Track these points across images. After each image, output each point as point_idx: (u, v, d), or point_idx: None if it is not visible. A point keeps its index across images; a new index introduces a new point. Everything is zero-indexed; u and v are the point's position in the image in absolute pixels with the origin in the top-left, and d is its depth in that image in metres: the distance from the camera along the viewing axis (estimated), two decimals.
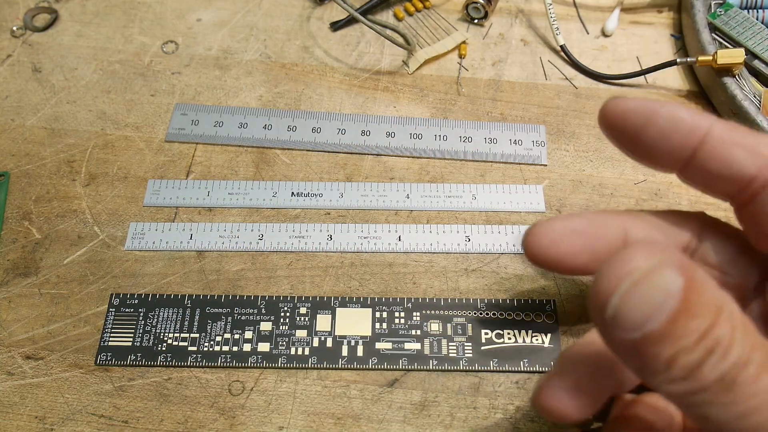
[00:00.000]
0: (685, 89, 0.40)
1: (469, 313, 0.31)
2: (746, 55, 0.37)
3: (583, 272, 0.22)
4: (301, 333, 0.31)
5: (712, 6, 0.40)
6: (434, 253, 0.33)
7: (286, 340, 0.30)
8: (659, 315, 0.16)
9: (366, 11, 0.41)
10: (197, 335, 0.30)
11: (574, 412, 0.20)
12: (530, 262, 0.23)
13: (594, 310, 0.17)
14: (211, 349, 0.30)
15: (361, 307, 0.31)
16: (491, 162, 0.37)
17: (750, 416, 0.16)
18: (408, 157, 0.37)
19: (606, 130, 0.21)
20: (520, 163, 0.36)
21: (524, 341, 0.30)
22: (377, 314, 0.31)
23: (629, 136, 0.20)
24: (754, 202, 0.19)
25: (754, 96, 0.36)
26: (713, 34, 0.39)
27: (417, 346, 0.30)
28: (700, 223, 0.22)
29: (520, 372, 0.30)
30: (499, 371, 0.30)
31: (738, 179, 0.19)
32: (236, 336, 0.30)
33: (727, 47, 0.38)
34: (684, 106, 0.20)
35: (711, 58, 0.36)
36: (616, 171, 0.36)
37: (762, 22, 0.39)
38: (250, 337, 0.30)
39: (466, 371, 0.30)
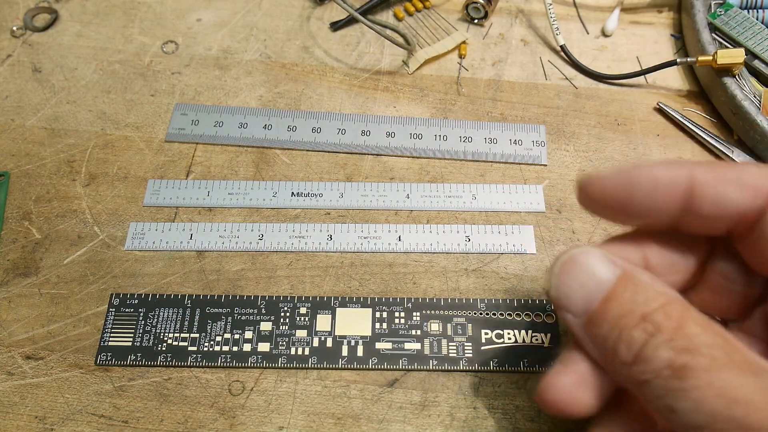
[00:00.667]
0: (685, 89, 0.40)
1: (469, 313, 0.31)
2: (746, 55, 0.37)
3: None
4: (301, 333, 0.31)
5: (712, 6, 0.40)
6: (434, 253, 0.33)
7: (286, 340, 0.30)
8: (595, 297, 0.19)
9: (366, 11, 0.41)
10: (197, 335, 0.30)
11: (579, 406, 0.20)
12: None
13: (552, 301, 0.20)
14: (211, 349, 0.30)
15: (361, 307, 0.31)
16: (491, 162, 0.37)
17: (705, 406, 0.16)
18: (408, 157, 0.37)
19: (589, 209, 0.21)
20: (520, 163, 0.36)
21: (524, 341, 0.30)
22: (377, 314, 0.31)
23: (615, 211, 0.21)
24: (751, 232, 0.20)
25: (754, 96, 0.36)
26: (713, 34, 0.39)
27: (417, 346, 0.30)
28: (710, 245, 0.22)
29: (520, 372, 0.30)
30: (499, 371, 0.30)
31: (732, 215, 0.20)
32: (236, 336, 0.30)
33: (727, 47, 0.38)
34: (659, 164, 0.20)
35: (711, 58, 0.36)
36: None
37: (762, 22, 0.39)
38: (250, 337, 0.30)
39: (466, 371, 0.30)
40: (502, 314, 0.31)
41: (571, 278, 0.19)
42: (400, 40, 0.39)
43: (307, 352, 0.30)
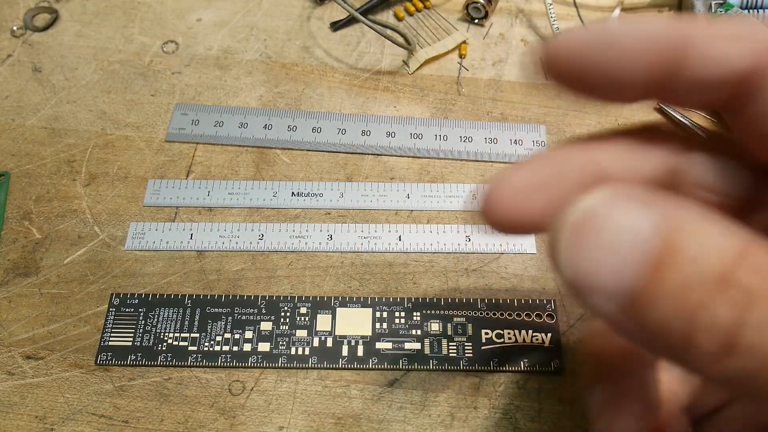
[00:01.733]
0: None
1: (469, 313, 0.31)
2: None
3: None
4: (302, 333, 0.31)
5: (713, 6, 0.40)
6: (434, 253, 0.33)
7: (287, 340, 0.30)
8: (639, 264, 0.12)
9: (366, 11, 0.41)
10: (197, 335, 0.30)
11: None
12: (494, 230, 0.18)
13: (563, 283, 0.13)
14: (211, 349, 0.30)
15: (361, 307, 0.31)
16: (491, 162, 0.37)
17: None
18: (408, 157, 0.37)
19: (555, 77, 0.16)
20: None
21: (524, 341, 0.30)
22: (377, 314, 0.31)
23: (585, 77, 0.16)
24: (751, 100, 0.15)
25: None
26: None
27: (417, 346, 0.30)
28: (685, 137, 0.17)
29: (520, 372, 0.30)
30: (499, 371, 0.30)
31: (731, 79, 0.14)
32: (236, 336, 0.30)
33: None
34: (646, 18, 0.15)
35: None
36: None
37: (762, 22, 0.39)
38: (251, 337, 0.30)
39: (466, 371, 0.30)
40: (502, 314, 0.31)
41: (594, 246, 0.13)
42: (401, 40, 0.39)
43: (307, 351, 0.30)
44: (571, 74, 0.16)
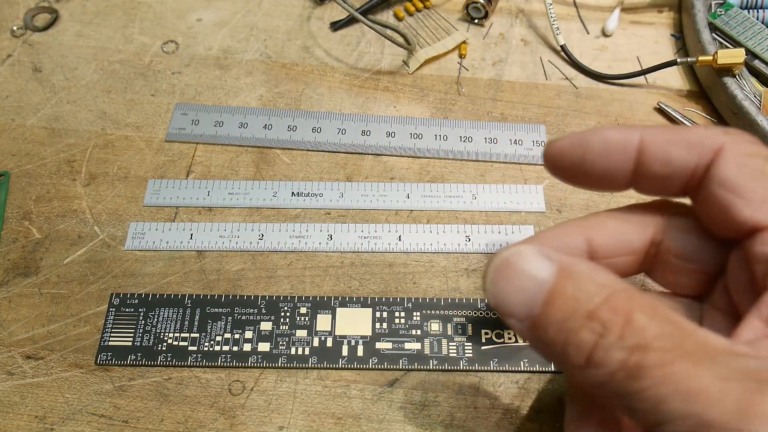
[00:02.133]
0: (685, 89, 0.40)
1: (469, 313, 0.31)
2: (746, 55, 0.37)
3: None
4: (302, 333, 0.31)
5: (713, 6, 0.40)
6: (434, 253, 0.33)
7: (287, 339, 0.30)
8: (536, 299, 0.17)
9: (366, 11, 0.41)
10: (197, 335, 0.30)
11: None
12: None
13: (491, 307, 0.19)
14: (211, 349, 0.30)
15: (361, 307, 0.31)
16: (491, 162, 0.37)
17: (663, 405, 0.15)
18: (408, 157, 0.37)
19: (553, 172, 0.22)
20: (520, 163, 0.36)
21: (524, 341, 0.30)
22: (377, 314, 0.31)
23: (573, 171, 0.21)
24: (702, 190, 0.20)
25: (755, 96, 0.36)
26: (713, 34, 0.39)
27: (417, 346, 0.30)
28: (665, 213, 0.23)
29: (520, 372, 0.30)
30: (499, 371, 0.30)
31: (682, 174, 0.20)
32: (236, 336, 0.30)
33: (727, 47, 0.38)
34: (613, 126, 0.21)
35: (711, 58, 0.36)
36: None
37: (762, 22, 0.39)
38: (251, 336, 0.30)
39: (466, 371, 0.30)
40: None
41: (507, 283, 0.18)
42: (401, 40, 0.39)
43: (307, 351, 0.30)
44: (562, 172, 0.22)
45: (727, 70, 0.36)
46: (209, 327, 0.31)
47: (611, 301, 0.17)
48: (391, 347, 0.30)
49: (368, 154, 0.37)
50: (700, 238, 0.22)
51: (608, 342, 0.16)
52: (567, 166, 0.21)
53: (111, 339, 0.30)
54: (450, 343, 0.30)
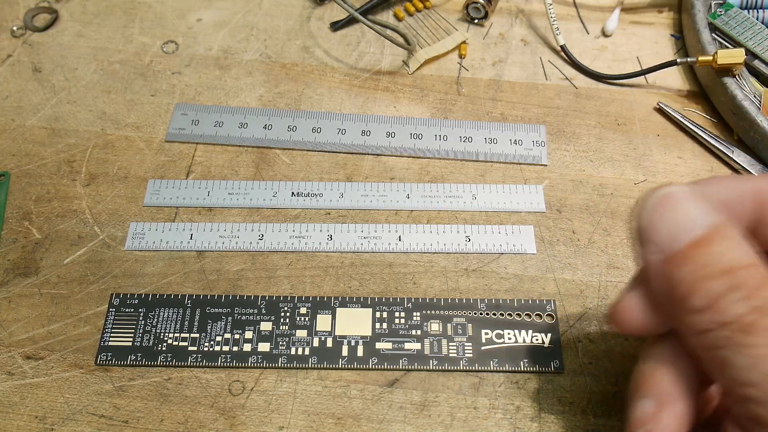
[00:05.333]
0: (685, 89, 0.40)
1: (469, 313, 0.31)
2: (746, 55, 0.37)
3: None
4: (302, 333, 0.31)
5: (712, 6, 0.40)
6: (434, 253, 0.33)
7: (287, 340, 0.30)
8: (683, 237, 0.19)
9: (366, 11, 0.41)
10: (197, 335, 0.30)
11: (644, 324, 0.22)
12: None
13: (634, 231, 0.20)
14: (211, 349, 0.30)
15: (361, 307, 0.31)
16: (491, 162, 0.37)
17: (762, 364, 0.17)
18: (408, 157, 0.37)
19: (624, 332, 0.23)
20: (520, 163, 0.36)
21: (524, 341, 0.30)
22: (377, 314, 0.31)
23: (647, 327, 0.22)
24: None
25: (755, 96, 0.36)
26: (713, 34, 0.39)
27: (417, 346, 0.30)
28: None
29: (520, 372, 0.30)
30: (499, 371, 0.30)
31: None
32: (236, 336, 0.30)
33: (727, 47, 0.38)
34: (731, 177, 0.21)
35: (711, 58, 0.36)
36: (616, 171, 0.36)
37: (762, 22, 0.39)
38: (251, 337, 0.30)
39: (466, 371, 0.30)
40: (502, 314, 0.31)
41: (666, 213, 0.19)
42: (400, 40, 0.39)
43: (307, 352, 0.30)
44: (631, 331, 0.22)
45: (727, 70, 0.36)
46: (209, 327, 0.31)
47: (752, 269, 0.18)
48: (391, 347, 0.30)
49: (368, 154, 0.37)
50: None
51: (736, 296, 0.18)
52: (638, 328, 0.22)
53: (111, 339, 0.30)
54: (450, 343, 0.30)
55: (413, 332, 0.31)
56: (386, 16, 0.43)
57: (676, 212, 0.19)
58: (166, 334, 0.30)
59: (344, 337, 0.30)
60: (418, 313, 0.31)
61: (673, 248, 0.19)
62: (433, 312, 0.31)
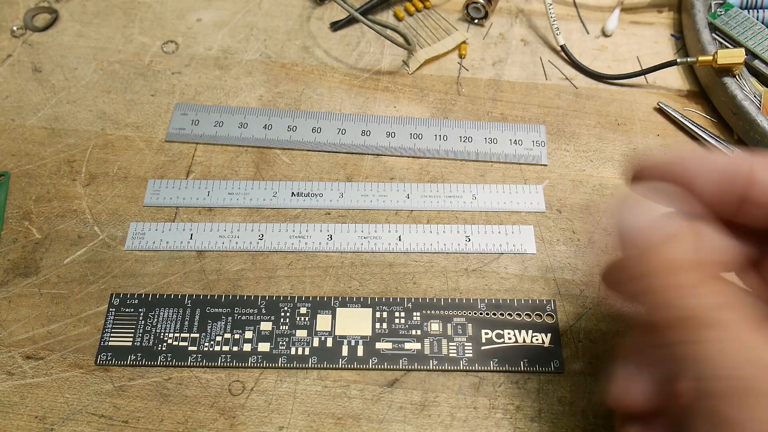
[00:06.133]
0: (685, 89, 0.40)
1: (469, 313, 0.31)
2: (746, 55, 0.37)
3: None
4: (302, 333, 0.31)
5: (712, 6, 0.40)
6: (434, 253, 0.33)
7: (287, 340, 0.30)
8: (658, 232, 0.20)
9: (366, 11, 0.41)
10: (197, 335, 0.30)
11: (636, 405, 0.22)
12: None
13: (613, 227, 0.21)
14: (211, 349, 0.30)
15: (361, 307, 0.31)
16: (491, 162, 0.37)
17: (705, 359, 0.18)
18: (408, 157, 0.37)
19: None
20: (520, 163, 0.36)
21: (524, 341, 0.30)
22: (377, 314, 0.31)
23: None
24: None
25: (755, 96, 0.36)
26: (713, 34, 0.39)
27: (417, 346, 0.30)
28: None
29: (520, 372, 0.30)
30: (499, 371, 0.30)
31: None
32: (236, 336, 0.30)
33: (727, 47, 0.38)
34: (720, 157, 0.21)
35: (711, 58, 0.36)
36: (616, 171, 0.36)
37: (762, 22, 0.39)
38: (251, 337, 0.30)
39: (466, 371, 0.30)
40: (502, 314, 0.31)
41: (637, 214, 0.21)
42: (400, 40, 0.39)
43: (307, 352, 0.30)
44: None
45: (727, 70, 0.36)
46: (209, 327, 0.31)
47: (708, 265, 0.19)
48: (391, 347, 0.30)
49: (368, 154, 0.37)
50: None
51: (700, 291, 0.18)
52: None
53: (111, 339, 0.30)
54: (450, 343, 0.30)
55: (413, 332, 0.31)
56: (386, 16, 0.43)
57: (638, 216, 0.20)
58: (166, 334, 0.30)
59: (344, 337, 0.30)
60: (418, 313, 0.31)
61: (648, 242, 0.20)
62: (433, 312, 0.31)
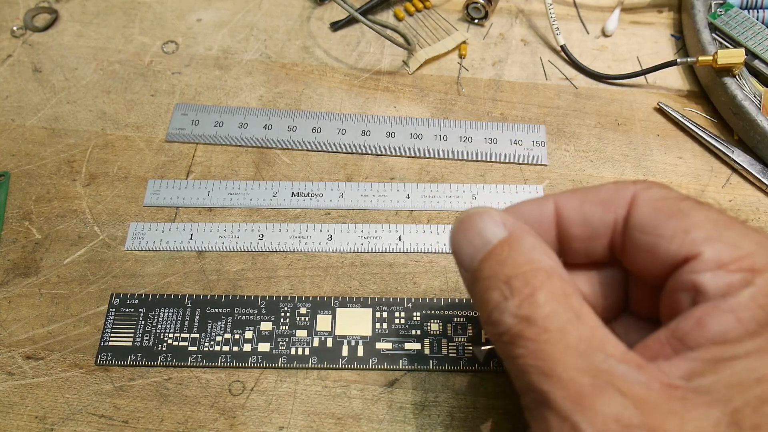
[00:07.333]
0: (685, 89, 0.40)
1: (469, 313, 0.31)
2: (746, 55, 0.37)
3: None
4: (302, 333, 0.31)
5: (712, 6, 0.40)
6: (434, 253, 0.33)
7: (287, 340, 0.30)
8: (477, 255, 0.20)
9: (366, 11, 0.41)
10: (197, 335, 0.30)
11: None
12: None
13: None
14: (211, 349, 0.30)
15: (361, 307, 0.31)
16: (491, 162, 0.37)
17: (525, 375, 0.17)
18: (408, 157, 0.37)
19: None
20: (520, 163, 0.36)
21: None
22: (377, 314, 0.31)
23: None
24: (626, 243, 0.21)
25: (755, 96, 0.36)
26: (713, 34, 0.39)
27: (417, 346, 0.30)
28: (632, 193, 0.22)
29: None
30: (499, 371, 0.30)
31: (603, 232, 0.21)
32: (236, 336, 0.30)
33: (727, 47, 0.38)
34: (524, 202, 0.22)
35: (711, 58, 0.36)
36: (616, 171, 0.36)
37: (762, 22, 0.39)
38: (251, 337, 0.30)
39: (466, 371, 0.30)
40: None
41: (463, 235, 0.21)
42: (401, 40, 0.39)
43: (307, 352, 0.30)
44: None
45: (727, 70, 0.36)
46: (209, 327, 0.31)
47: (528, 274, 0.18)
48: (391, 347, 0.30)
49: (368, 154, 0.37)
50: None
51: (507, 306, 0.18)
52: None
53: (111, 339, 0.30)
54: (450, 343, 0.30)
55: (413, 332, 0.31)
56: (386, 16, 0.43)
57: (472, 231, 0.20)
58: (166, 334, 0.30)
59: (344, 337, 0.30)
60: (418, 313, 0.31)
61: (473, 267, 0.20)
62: (433, 312, 0.31)
